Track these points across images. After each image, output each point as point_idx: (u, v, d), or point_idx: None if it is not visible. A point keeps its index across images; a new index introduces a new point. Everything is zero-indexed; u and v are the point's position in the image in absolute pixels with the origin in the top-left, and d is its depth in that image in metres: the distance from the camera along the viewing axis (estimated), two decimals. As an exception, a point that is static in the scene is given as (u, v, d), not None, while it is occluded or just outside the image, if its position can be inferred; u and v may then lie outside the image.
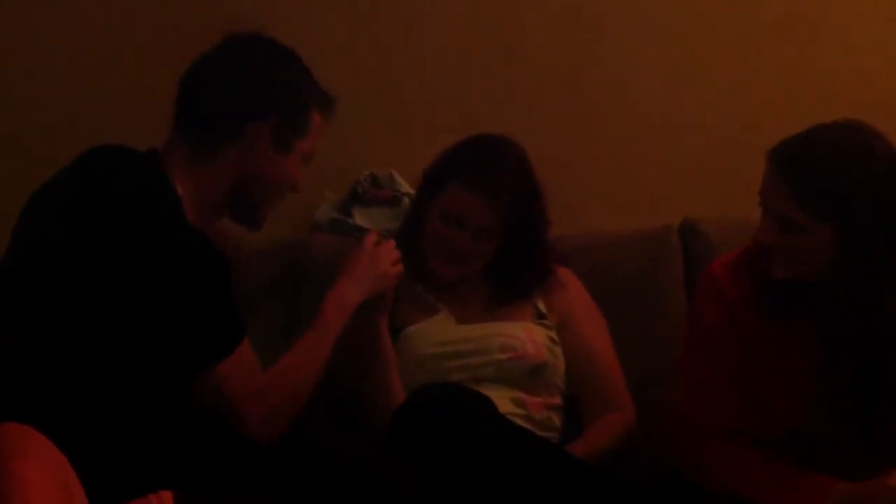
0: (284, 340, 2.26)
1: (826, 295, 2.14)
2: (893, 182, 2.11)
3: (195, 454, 2.01)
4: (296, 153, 2.16)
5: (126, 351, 1.97)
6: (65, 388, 1.97)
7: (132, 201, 2.02)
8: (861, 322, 2.13)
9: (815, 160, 2.10)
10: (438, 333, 2.45)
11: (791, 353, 2.19)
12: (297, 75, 2.17)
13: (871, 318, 2.12)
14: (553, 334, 2.50)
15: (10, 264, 2.08)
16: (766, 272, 2.17)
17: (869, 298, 2.12)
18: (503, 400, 2.32)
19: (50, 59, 2.83)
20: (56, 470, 1.65)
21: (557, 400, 2.46)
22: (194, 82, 2.14)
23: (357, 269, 2.30)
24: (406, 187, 2.73)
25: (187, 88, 2.14)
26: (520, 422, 2.31)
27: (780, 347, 2.20)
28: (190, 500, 1.80)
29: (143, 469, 1.90)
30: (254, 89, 2.12)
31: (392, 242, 2.37)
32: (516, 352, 2.43)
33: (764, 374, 2.21)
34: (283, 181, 2.17)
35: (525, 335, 2.45)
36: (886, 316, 2.12)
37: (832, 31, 2.94)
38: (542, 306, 2.52)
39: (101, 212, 2.01)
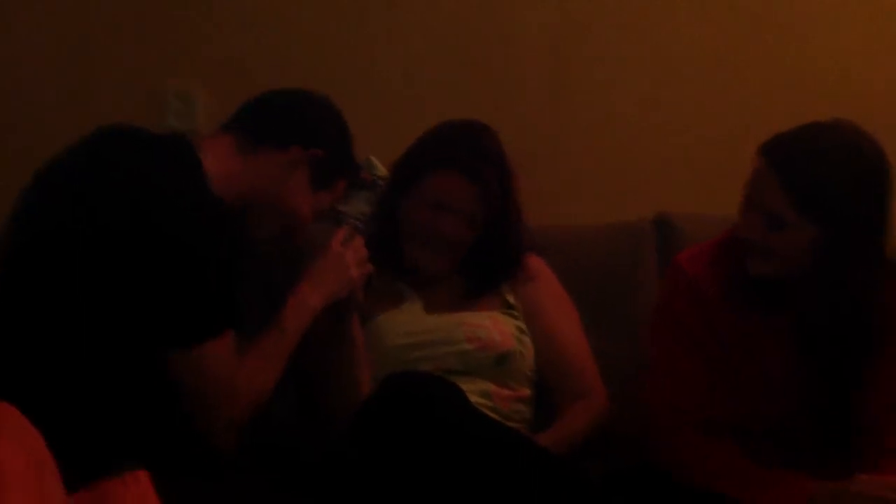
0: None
1: (804, 292, 2.16)
2: (880, 185, 2.14)
3: (173, 433, 2.01)
4: (317, 198, 2.23)
5: (107, 326, 1.97)
6: (41, 364, 1.97)
7: (142, 171, 2.03)
8: (838, 320, 2.15)
9: (812, 160, 2.11)
10: (405, 324, 2.45)
11: (765, 347, 2.22)
12: (349, 143, 2.29)
13: (848, 316, 2.15)
14: (521, 324, 2.50)
15: (18, 235, 2.08)
16: (742, 266, 2.19)
17: (847, 298, 2.14)
18: (469, 393, 2.29)
19: (46, 54, 2.83)
20: (31, 448, 1.64)
21: (527, 391, 2.46)
22: (267, 97, 2.24)
23: (321, 273, 2.25)
24: (384, 172, 2.72)
25: (259, 98, 2.24)
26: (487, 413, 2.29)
27: (753, 341, 2.22)
28: (166, 479, 1.80)
29: (119, 448, 1.91)
30: (314, 122, 2.22)
31: (360, 240, 2.33)
32: (482, 341, 2.43)
33: (737, 366, 2.23)
34: (294, 211, 2.21)
35: (491, 324, 2.45)
36: (864, 315, 2.15)
37: (813, 28, 2.95)
38: (509, 296, 2.53)
39: (108, 183, 2.02)
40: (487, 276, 2.52)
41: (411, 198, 2.46)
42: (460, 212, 2.42)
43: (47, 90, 2.82)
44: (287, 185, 2.19)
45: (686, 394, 2.23)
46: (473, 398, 2.31)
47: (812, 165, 2.10)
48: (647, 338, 2.36)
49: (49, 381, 1.96)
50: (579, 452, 2.36)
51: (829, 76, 2.94)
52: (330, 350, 2.35)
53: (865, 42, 2.97)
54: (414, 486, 2.00)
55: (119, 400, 1.99)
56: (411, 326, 2.44)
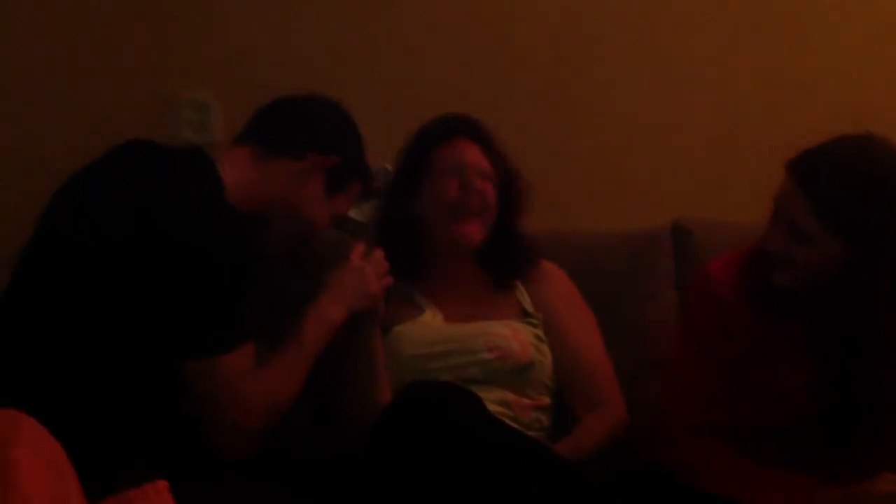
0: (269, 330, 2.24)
1: (825, 305, 2.16)
2: None
3: (191, 442, 2.03)
4: (333, 203, 2.25)
5: (125, 336, 1.98)
6: (60, 374, 1.98)
7: (161, 185, 2.04)
8: (857, 333, 2.15)
9: (838, 175, 2.11)
10: (425, 334, 2.45)
11: (778, 352, 2.22)
12: (361, 145, 2.30)
13: (867, 330, 2.15)
14: (539, 332, 2.49)
15: (29, 251, 2.10)
16: (765, 277, 2.19)
17: (864, 308, 2.14)
18: (489, 402, 2.29)
19: (49, 60, 2.83)
20: (51, 457, 1.66)
21: (546, 400, 2.46)
22: (279, 104, 2.25)
23: (342, 287, 2.26)
24: (400, 181, 2.73)
25: (271, 106, 2.25)
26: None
27: (767, 345, 2.22)
28: (186, 488, 1.81)
29: (139, 458, 1.92)
30: (327, 128, 2.24)
31: (380, 253, 2.34)
32: (502, 351, 2.42)
33: (750, 371, 2.23)
34: (311, 219, 2.23)
35: (511, 334, 2.45)
36: (878, 322, 2.15)
37: (822, 34, 2.95)
38: (527, 304, 2.52)
39: (116, 193, 2.04)
40: (503, 269, 2.53)
41: (431, 180, 2.47)
42: (481, 173, 2.46)
43: (57, 100, 2.82)
44: (303, 193, 2.21)
45: (691, 398, 2.24)
46: (492, 408, 2.31)
47: (839, 181, 2.10)
48: (664, 345, 2.37)
49: (60, 388, 1.98)
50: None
51: (841, 81, 2.94)
52: (347, 360, 2.35)
53: (875, 42, 2.97)
54: (428, 493, 2.00)
55: (129, 404, 2.00)
56: (431, 336, 2.44)
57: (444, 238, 2.47)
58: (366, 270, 2.30)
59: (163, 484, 1.74)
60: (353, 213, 2.64)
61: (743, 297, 2.23)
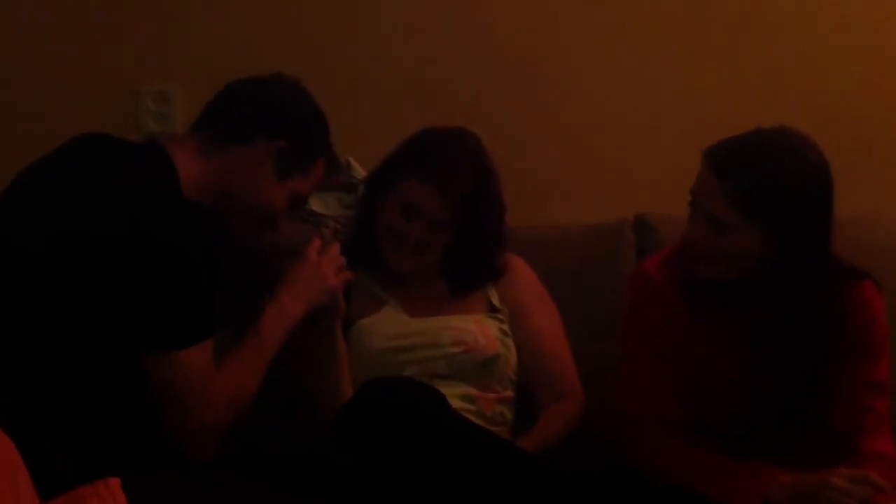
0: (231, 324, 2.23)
1: (754, 295, 2.19)
2: (823, 191, 2.17)
3: (144, 441, 2.02)
4: (289, 186, 2.20)
5: (78, 332, 1.97)
6: (22, 369, 1.97)
7: (123, 178, 2.02)
8: (790, 321, 2.18)
9: (752, 164, 2.14)
10: (390, 327, 2.44)
11: (724, 348, 2.24)
12: (319, 123, 2.25)
13: (797, 318, 2.18)
14: (505, 326, 2.50)
15: None
16: (691, 270, 2.21)
17: (795, 300, 2.17)
18: (453, 397, 2.30)
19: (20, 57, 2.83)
20: (2, 454, 1.64)
21: (509, 392, 2.47)
22: (230, 89, 2.21)
23: (299, 283, 2.24)
24: (362, 174, 2.73)
25: (223, 91, 2.21)
26: (470, 418, 2.29)
27: (712, 342, 2.25)
28: (138, 486, 1.80)
29: (91, 455, 1.91)
30: (276, 110, 2.19)
31: (336, 248, 2.32)
32: (468, 345, 2.43)
33: (698, 367, 2.25)
34: (267, 205, 2.19)
35: (476, 328, 2.46)
36: (812, 316, 2.18)
37: (786, 32, 2.96)
38: (494, 298, 2.53)
39: (88, 190, 2.02)
40: (467, 278, 2.52)
41: (384, 202, 2.45)
42: (430, 219, 2.41)
43: (21, 93, 2.81)
44: (255, 179, 2.17)
45: (648, 396, 2.26)
46: (457, 402, 2.33)
47: (753, 171, 2.14)
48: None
49: (23, 387, 1.96)
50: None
51: (805, 79, 2.95)
52: (308, 356, 2.34)
53: (843, 38, 2.97)
54: (391, 488, 2.01)
55: (95, 400, 1.98)
56: (396, 330, 2.44)
57: (382, 255, 2.46)
58: (322, 265, 2.28)
59: (115, 481, 1.72)
60: (315, 205, 2.64)
61: (681, 292, 2.25)
